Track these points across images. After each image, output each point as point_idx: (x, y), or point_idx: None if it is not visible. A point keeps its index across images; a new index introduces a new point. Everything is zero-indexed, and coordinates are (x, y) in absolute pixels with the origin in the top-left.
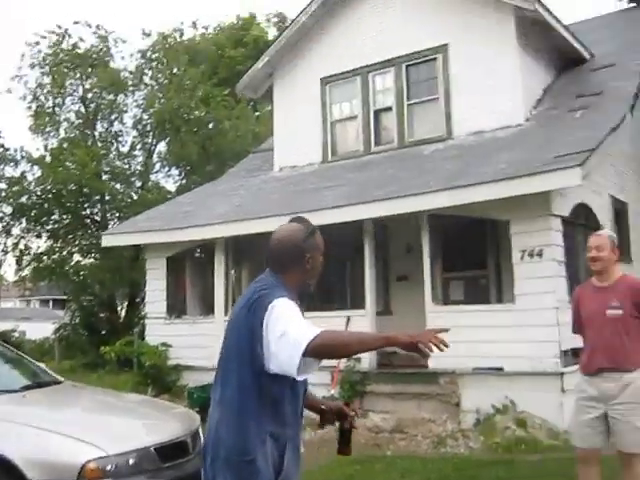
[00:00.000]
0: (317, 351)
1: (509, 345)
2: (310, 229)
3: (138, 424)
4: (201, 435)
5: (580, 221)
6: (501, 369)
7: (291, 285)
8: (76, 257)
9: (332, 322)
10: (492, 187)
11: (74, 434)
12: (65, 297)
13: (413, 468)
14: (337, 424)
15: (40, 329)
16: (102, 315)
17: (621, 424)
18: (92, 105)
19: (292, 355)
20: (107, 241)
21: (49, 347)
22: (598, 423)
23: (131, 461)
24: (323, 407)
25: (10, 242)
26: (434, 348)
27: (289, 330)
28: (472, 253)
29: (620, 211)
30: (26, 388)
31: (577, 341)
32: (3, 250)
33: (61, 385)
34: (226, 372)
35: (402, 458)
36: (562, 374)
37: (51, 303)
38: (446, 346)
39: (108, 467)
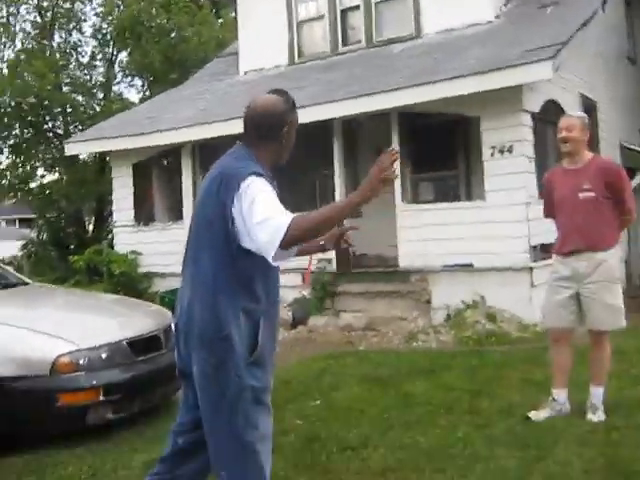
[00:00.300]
0: (294, 240)
1: (479, 242)
2: (291, 101)
3: (110, 320)
4: (174, 330)
5: (550, 118)
6: (471, 265)
7: (264, 160)
8: (40, 172)
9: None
10: (462, 82)
11: (45, 330)
12: (32, 216)
13: (386, 361)
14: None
15: (7, 248)
16: (70, 230)
17: (592, 302)
18: (49, 14)
19: (270, 242)
20: (70, 149)
21: (18, 265)
22: (571, 302)
23: (104, 355)
24: (322, 242)
25: None
26: None
27: (267, 216)
28: (442, 152)
29: (589, 109)
30: None
31: (546, 237)
32: None
33: (29, 286)
34: (197, 248)
35: (375, 352)
36: (531, 269)
37: (17, 222)
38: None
39: (81, 361)
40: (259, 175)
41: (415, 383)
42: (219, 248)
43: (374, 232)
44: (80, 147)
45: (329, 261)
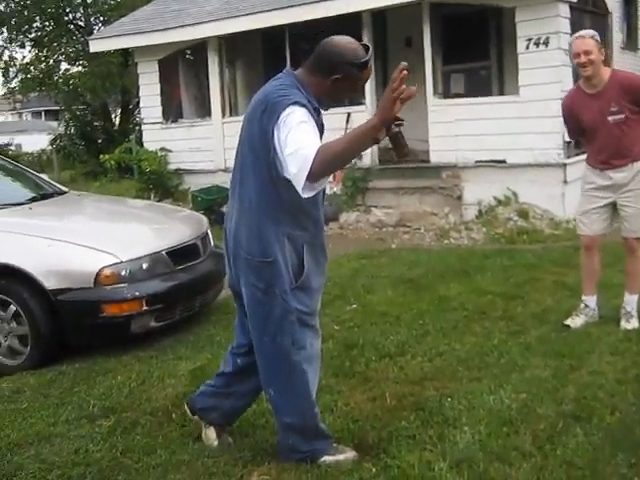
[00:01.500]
0: (320, 173)
1: (512, 137)
2: (364, 61)
3: (148, 230)
4: (210, 238)
5: (588, 7)
6: (503, 161)
7: (313, 90)
8: (64, 66)
9: (332, 119)
10: None
11: (87, 243)
12: (57, 107)
13: (419, 260)
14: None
15: (36, 141)
16: (97, 124)
17: (631, 209)
18: None
19: (298, 174)
20: (94, 46)
21: (47, 159)
22: (605, 210)
23: (144, 265)
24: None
25: None
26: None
27: (297, 147)
28: (474, 45)
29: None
30: (31, 200)
31: None
32: None
33: (66, 195)
34: (243, 171)
35: (407, 251)
36: (565, 165)
37: (43, 114)
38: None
39: (122, 272)
40: (302, 105)
41: (449, 285)
42: (263, 175)
43: (406, 126)
44: (104, 44)
45: (359, 157)
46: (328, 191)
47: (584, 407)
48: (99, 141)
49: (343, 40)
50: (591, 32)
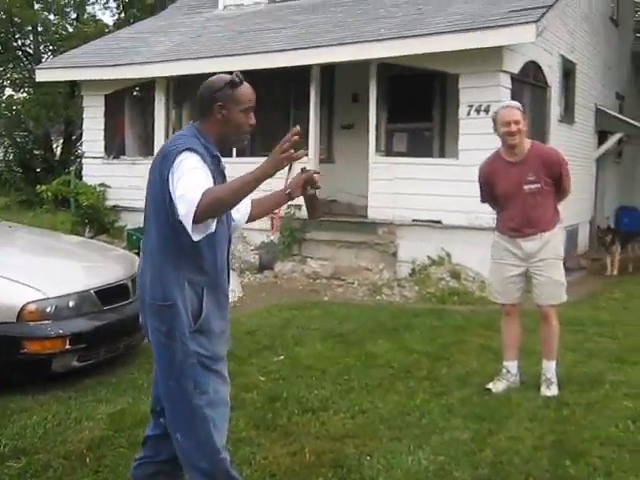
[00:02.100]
0: (204, 213)
1: (449, 199)
2: (230, 80)
3: (78, 267)
4: None
5: (529, 79)
6: (439, 222)
7: (211, 135)
8: (8, 91)
9: None
10: (445, 39)
11: (12, 276)
12: None
13: (350, 314)
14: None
15: None
16: (37, 153)
17: (542, 278)
18: None
19: (186, 215)
20: (41, 76)
21: None
22: (519, 279)
23: (71, 303)
24: (288, 191)
25: None
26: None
27: (185, 191)
28: (419, 106)
29: (569, 71)
30: None
31: None
32: None
33: None
34: (147, 219)
35: (339, 304)
36: None
37: None
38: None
39: (48, 309)
40: (195, 151)
41: (377, 342)
42: (162, 221)
43: (346, 180)
44: (51, 74)
45: (298, 207)
46: (265, 239)
47: (499, 472)
48: (38, 170)
49: (208, 79)
50: (516, 103)
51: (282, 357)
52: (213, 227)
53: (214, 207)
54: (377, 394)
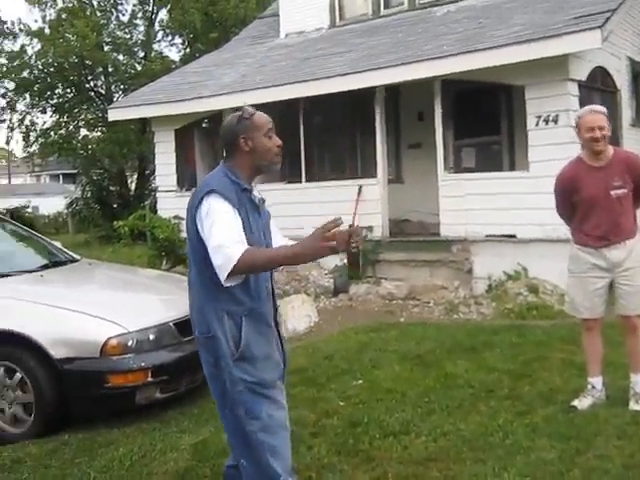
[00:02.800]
0: (240, 272)
1: (522, 212)
2: (243, 112)
3: (156, 300)
4: None
5: (597, 85)
6: (514, 236)
7: (241, 170)
8: (83, 132)
9: (344, 191)
10: (507, 51)
11: (95, 312)
12: (75, 171)
13: (427, 335)
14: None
15: (52, 204)
16: (113, 189)
17: (629, 288)
18: None
19: (222, 267)
20: (113, 115)
21: (63, 221)
22: (604, 292)
23: (151, 336)
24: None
25: (15, 118)
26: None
27: (221, 243)
28: (485, 120)
29: (638, 74)
30: (43, 267)
31: None
32: (9, 127)
33: (78, 263)
34: (189, 255)
35: (416, 325)
36: None
37: (61, 177)
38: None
39: (129, 343)
40: (218, 193)
41: (456, 362)
42: (198, 258)
43: (417, 199)
44: (122, 113)
45: (370, 229)
46: (338, 262)
47: None
48: (114, 206)
49: (224, 121)
50: (602, 108)
51: (360, 381)
52: (243, 276)
53: (248, 269)
54: (458, 415)
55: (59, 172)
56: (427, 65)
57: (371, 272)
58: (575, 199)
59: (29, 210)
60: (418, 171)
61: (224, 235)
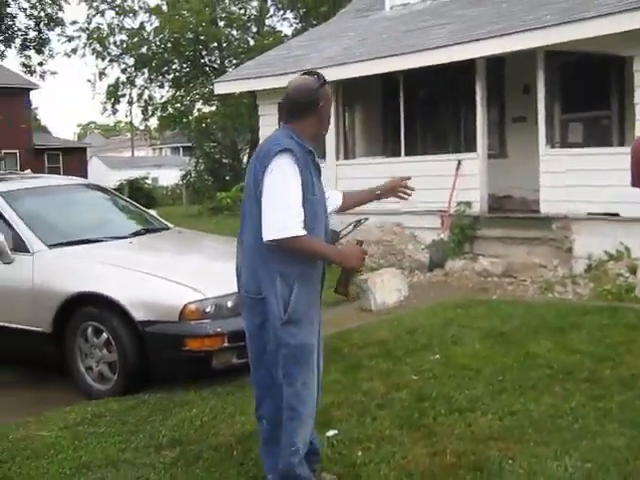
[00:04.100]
0: (288, 247)
1: (627, 190)
2: (322, 79)
3: None
4: None
5: None
6: (617, 214)
7: (306, 135)
8: (198, 106)
9: (443, 165)
10: (614, 19)
11: (176, 278)
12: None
13: (515, 313)
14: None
15: (171, 175)
16: (225, 161)
17: None
18: None
19: (271, 229)
20: (219, 89)
21: (180, 193)
22: None
23: (229, 303)
24: (378, 192)
25: (135, 93)
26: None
27: (274, 216)
28: (594, 93)
29: None
30: (134, 234)
31: None
32: (129, 101)
33: (168, 231)
34: (243, 216)
35: (506, 303)
36: None
37: (181, 150)
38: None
39: (207, 309)
40: (291, 152)
41: (539, 342)
42: (256, 217)
43: (520, 174)
44: (227, 86)
45: (469, 204)
46: (435, 237)
47: None
48: (226, 178)
49: (298, 81)
50: None
51: (438, 356)
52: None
53: (299, 251)
54: (530, 395)
55: (179, 145)
56: (529, 36)
57: (468, 248)
58: None
59: (148, 181)
60: (523, 146)
61: (289, 202)
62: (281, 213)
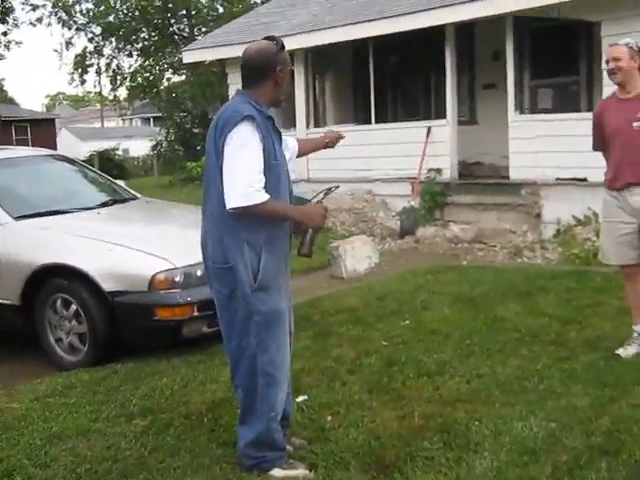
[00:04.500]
0: (253, 212)
1: (594, 155)
2: (280, 44)
3: None
4: None
5: None
6: (585, 180)
7: (264, 101)
8: (167, 75)
9: (413, 132)
10: None
11: (144, 248)
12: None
13: (484, 278)
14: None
15: (142, 146)
16: (196, 131)
17: None
18: None
19: (235, 198)
20: (188, 57)
21: (151, 164)
22: (631, 238)
23: (198, 272)
24: (327, 140)
25: (103, 63)
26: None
27: (234, 182)
28: (563, 59)
29: None
30: (102, 205)
31: None
32: (97, 71)
33: (136, 201)
34: (206, 185)
35: (475, 268)
36: None
37: (152, 120)
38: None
39: (176, 278)
40: (251, 119)
41: (508, 306)
42: (220, 186)
43: (490, 141)
44: (196, 55)
45: (439, 171)
46: (406, 205)
47: (614, 441)
48: (197, 148)
49: (255, 45)
50: (628, 40)
51: (407, 322)
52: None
53: (256, 214)
54: (498, 358)
55: (149, 115)
56: (497, 1)
57: (439, 215)
58: (604, 134)
59: (119, 153)
60: (492, 112)
61: (251, 168)
62: (243, 180)
